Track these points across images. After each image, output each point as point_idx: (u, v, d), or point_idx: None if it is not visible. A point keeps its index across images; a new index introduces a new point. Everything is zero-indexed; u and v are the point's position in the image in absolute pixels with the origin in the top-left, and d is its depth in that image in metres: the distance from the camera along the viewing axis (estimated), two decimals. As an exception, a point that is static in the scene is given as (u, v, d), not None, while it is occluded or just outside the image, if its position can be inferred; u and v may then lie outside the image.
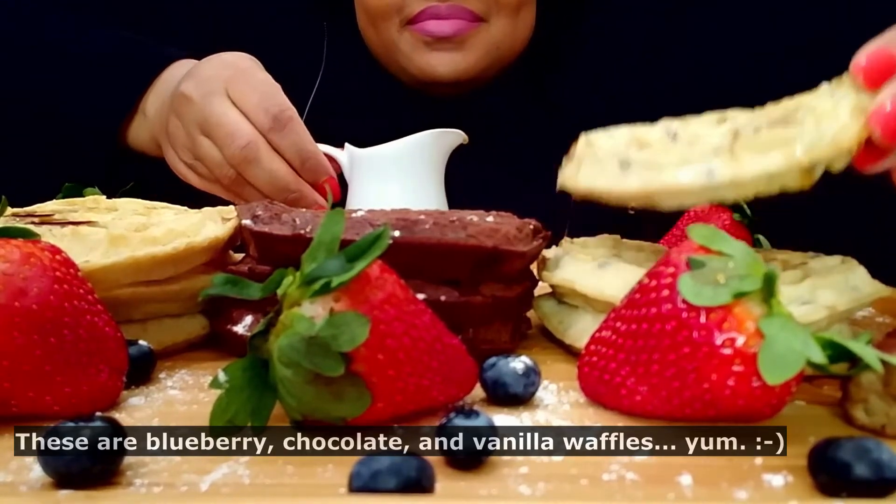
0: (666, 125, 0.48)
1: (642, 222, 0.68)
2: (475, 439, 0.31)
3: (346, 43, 0.94)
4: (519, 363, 0.39)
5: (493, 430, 0.32)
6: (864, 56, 0.41)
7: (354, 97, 0.94)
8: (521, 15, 0.87)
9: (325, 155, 0.77)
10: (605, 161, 0.44)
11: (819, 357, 0.32)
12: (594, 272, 0.47)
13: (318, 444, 0.34)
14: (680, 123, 0.47)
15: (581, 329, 0.47)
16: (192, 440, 0.34)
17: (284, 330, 0.34)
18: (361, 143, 0.76)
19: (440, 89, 0.88)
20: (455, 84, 0.86)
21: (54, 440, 0.30)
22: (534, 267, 0.51)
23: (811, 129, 0.40)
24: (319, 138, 0.79)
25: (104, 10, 0.98)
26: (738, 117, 0.44)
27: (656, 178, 0.40)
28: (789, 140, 0.39)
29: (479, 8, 0.84)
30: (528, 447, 0.33)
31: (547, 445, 0.34)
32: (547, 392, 0.41)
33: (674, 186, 0.40)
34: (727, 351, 0.33)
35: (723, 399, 0.34)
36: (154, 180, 0.75)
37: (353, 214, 0.47)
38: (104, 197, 0.60)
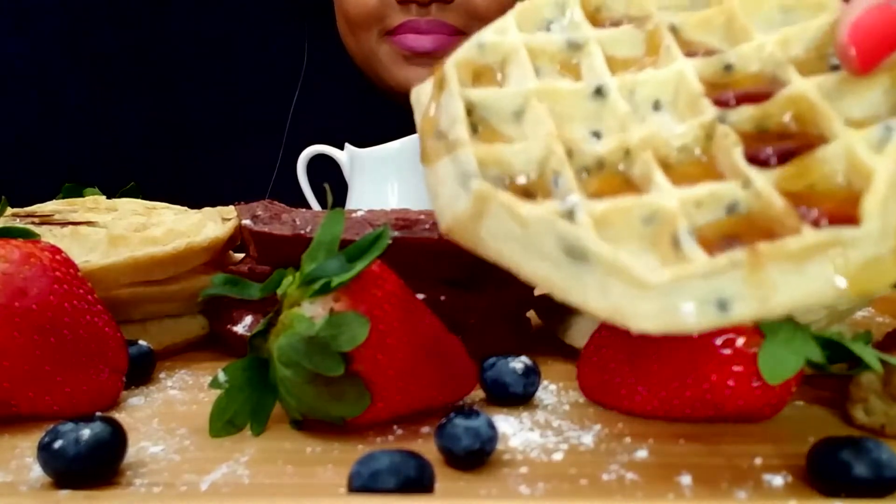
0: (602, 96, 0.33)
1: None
2: (475, 439, 0.31)
3: (328, 47, 0.94)
4: (519, 363, 0.39)
5: (493, 430, 0.32)
6: (849, 28, 0.31)
7: (335, 100, 0.94)
8: None
9: (324, 155, 0.77)
10: (538, 236, 0.28)
11: (818, 357, 0.32)
12: None
13: (318, 443, 0.34)
14: (621, 90, 0.33)
15: (581, 329, 0.47)
16: (192, 440, 0.34)
17: (284, 330, 0.34)
18: (346, 145, 0.76)
19: None
20: None
21: (54, 440, 0.30)
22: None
23: (867, 237, 0.26)
24: (305, 141, 0.79)
25: (104, 12, 0.98)
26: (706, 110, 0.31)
27: (633, 303, 0.27)
28: (836, 245, 0.26)
29: (459, 22, 0.83)
30: (528, 447, 0.33)
31: (547, 445, 0.34)
32: (547, 392, 0.40)
33: (667, 322, 0.26)
34: (727, 351, 0.33)
35: (723, 399, 0.34)
36: (154, 180, 0.75)
37: (353, 214, 0.47)
38: (104, 197, 0.60)
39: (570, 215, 0.28)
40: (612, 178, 0.31)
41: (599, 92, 0.33)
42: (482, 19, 0.83)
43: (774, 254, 0.26)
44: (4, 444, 0.34)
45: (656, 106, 0.33)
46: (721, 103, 0.32)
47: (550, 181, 0.30)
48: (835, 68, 0.32)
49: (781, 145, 0.30)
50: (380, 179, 0.73)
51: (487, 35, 0.35)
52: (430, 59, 0.84)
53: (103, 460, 0.30)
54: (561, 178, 0.30)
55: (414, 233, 0.44)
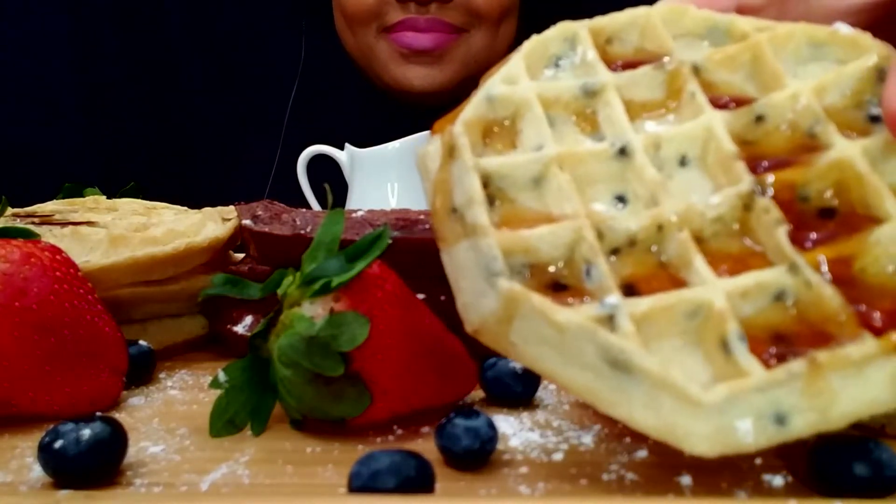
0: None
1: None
2: (475, 439, 0.31)
3: (325, 43, 0.94)
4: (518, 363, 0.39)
5: (493, 430, 0.32)
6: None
7: (334, 98, 0.94)
8: (503, 27, 0.86)
9: (324, 155, 0.77)
10: (576, 344, 0.27)
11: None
12: None
13: (318, 443, 0.34)
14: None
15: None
16: (192, 440, 0.34)
17: (284, 330, 0.34)
18: (345, 143, 0.76)
19: (415, 99, 0.87)
20: (430, 95, 0.86)
21: (54, 440, 0.30)
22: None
23: None
24: (304, 141, 0.79)
25: (104, 12, 0.98)
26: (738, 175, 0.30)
27: (685, 422, 0.26)
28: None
29: (458, 20, 0.83)
30: (528, 447, 0.33)
31: (547, 445, 0.34)
32: (547, 392, 0.40)
33: (724, 443, 0.26)
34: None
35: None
36: (154, 180, 0.75)
37: (353, 214, 0.47)
38: (104, 197, 0.60)
39: (610, 321, 0.26)
40: (644, 258, 0.29)
41: (623, 152, 0.31)
42: (482, 18, 0.83)
43: (835, 363, 0.25)
44: (4, 444, 0.34)
45: (683, 162, 0.32)
46: (756, 168, 0.30)
47: (581, 270, 0.28)
48: (874, 119, 0.31)
49: (827, 226, 0.29)
50: (380, 179, 0.73)
51: (496, 87, 0.32)
52: (429, 57, 0.83)
53: (103, 460, 0.30)
54: (594, 269, 0.28)
55: (414, 233, 0.44)
